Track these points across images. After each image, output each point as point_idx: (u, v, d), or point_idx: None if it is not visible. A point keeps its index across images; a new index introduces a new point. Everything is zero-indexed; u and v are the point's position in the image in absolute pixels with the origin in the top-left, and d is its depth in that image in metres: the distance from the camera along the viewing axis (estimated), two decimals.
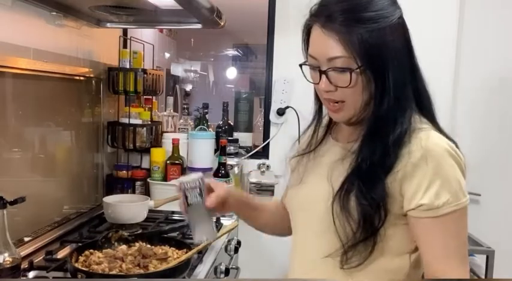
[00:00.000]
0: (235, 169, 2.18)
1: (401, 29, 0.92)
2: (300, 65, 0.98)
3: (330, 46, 0.89)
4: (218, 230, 1.69)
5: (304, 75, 0.98)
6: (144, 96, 2.18)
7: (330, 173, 0.95)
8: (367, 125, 0.94)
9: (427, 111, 0.96)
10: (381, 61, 0.88)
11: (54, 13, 1.55)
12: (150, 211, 1.75)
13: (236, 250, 1.73)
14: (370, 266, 0.91)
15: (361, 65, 0.87)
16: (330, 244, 0.93)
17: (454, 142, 0.92)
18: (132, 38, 2.07)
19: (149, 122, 2.07)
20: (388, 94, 0.90)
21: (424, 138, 0.89)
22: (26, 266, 1.28)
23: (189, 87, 3.75)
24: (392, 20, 0.90)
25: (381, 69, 0.89)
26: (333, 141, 1.05)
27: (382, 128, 0.91)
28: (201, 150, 2.09)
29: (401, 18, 0.93)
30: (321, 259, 0.94)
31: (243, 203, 1.18)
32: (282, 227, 1.16)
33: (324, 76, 0.92)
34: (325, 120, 1.08)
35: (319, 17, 0.92)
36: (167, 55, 3.24)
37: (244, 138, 2.43)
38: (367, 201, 0.88)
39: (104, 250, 1.31)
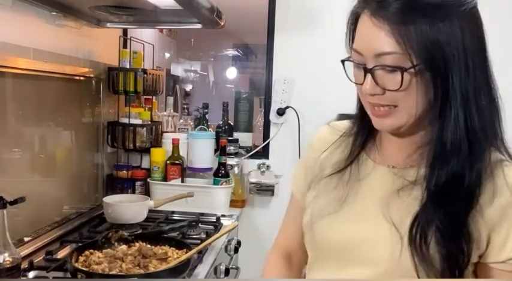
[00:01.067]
0: (235, 169, 2.18)
1: (474, 23, 0.74)
2: (342, 61, 0.80)
3: (379, 39, 0.72)
4: (218, 230, 1.69)
5: (346, 74, 0.80)
6: (144, 96, 2.18)
7: (386, 208, 0.77)
8: (434, 149, 0.74)
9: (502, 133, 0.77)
10: (444, 61, 0.70)
11: (54, 13, 1.55)
12: (150, 211, 1.75)
13: (236, 250, 1.73)
14: None
15: (417, 64, 0.70)
16: None
17: None
18: (132, 38, 2.07)
19: (149, 122, 2.07)
20: (455, 105, 0.72)
21: (510, 174, 0.72)
22: (26, 266, 1.28)
23: (189, 87, 3.75)
24: (465, 9, 0.71)
25: (443, 72, 0.71)
26: (373, 163, 0.85)
27: (453, 151, 0.72)
28: (201, 150, 2.09)
29: (475, 8, 0.74)
30: None
31: None
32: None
33: (369, 75, 0.74)
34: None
35: (369, 2, 0.74)
36: (167, 55, 3.24)
37: (244, 138, 2.43)
38: (451, 246, 0.71)
39: (104, 250, 1.31)
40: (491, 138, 0.75)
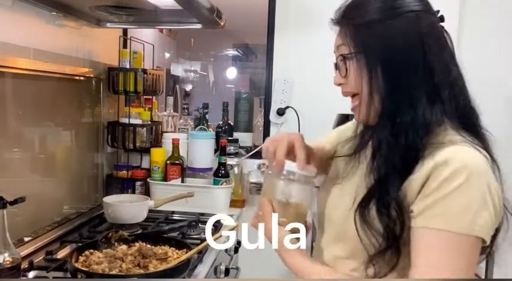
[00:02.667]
0: (235, 169, 2.18)
1: (412, 24, 0.84)
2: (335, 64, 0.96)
3: (336, 38, 0.91)
4: (218, 230, 1.69)
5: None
6: (144, 96, 2.18)
7: (357, 187, 0.89)
8: (378, 130, 0.87)
9: (464, 121, 0.87)
10: (376, 53, 0.85)
11: (54, 13, 1.55)
12: (150, 211, 1.75)
13: (236, 250, 1.73)
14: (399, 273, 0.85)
15: (354, 51, 0.87)
16: (349, 251, 0.90)
17: (499, 176, 0.83)
18: (132, 38, 2.07)
19: (149, 122, 2.07)
20: (384, 97, 0.85)
21: (459, 153, 0.79)
22: (26, 266, 1.28)
23: (189, 87, 3.75)
24: (401, 13, 0.85)
25: (374, 62, 0.85)
26: (363, 155, 0.96)
27: (383, 139, 0.85)
28: (201, 150, 2.09)
29: (418, 13, 0.85)
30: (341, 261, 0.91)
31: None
32: None
33: (336, 69, 0.93)
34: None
35: (334, 18, 0.93)
36: (167, 55, 3.24)
37: (244, 138, 2.43)
38: (386, 209, 0.82)
39: (104, 250, 1.31)
40: (432, 124, 0.83)
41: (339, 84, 0.92)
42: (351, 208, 0.87)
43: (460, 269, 0.78)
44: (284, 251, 0.91)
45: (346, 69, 0.89)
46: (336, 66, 0.93)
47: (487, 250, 0.87)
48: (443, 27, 0.90)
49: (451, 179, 0.76)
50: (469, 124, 0.88)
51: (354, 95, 0.91)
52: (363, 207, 0.85)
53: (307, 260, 0.91)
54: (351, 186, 0.92)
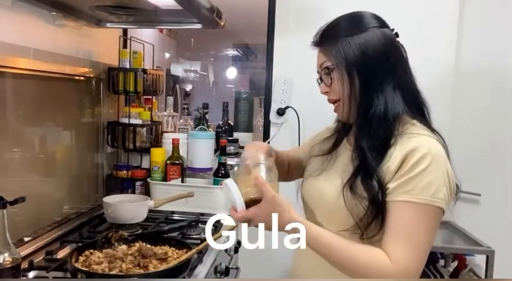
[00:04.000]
0: (235, 169, 2.18)
1: (377, 36, 1.06)
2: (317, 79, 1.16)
3: (318, 58, 1.13)
4: (218, 231, 1.69)
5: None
6: (144, 96, 2.18)
7: (342, 174, 1.08)
8: (356, 125, 1.10)
9: (419, 116, 1.08)
10: (352, 61, 1.05)
11: (54, 13, 1.55)
12: (150, 211, 1.75)
13: (236, 250, 1.73)
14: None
15: (335, 63, 1.07)
16: (343, 222, 1.05)
17: (446, 149, 1.05)
18: (132, 38, 2.07)
19: (149, 122, 2.07)
20: (361, 95, 1.05)
21: (426, 143, 1.00)
22: (26, 266, 1.28)
23: (189, 87, 3.75)
24: (366, 28, 1.07)
25: (351, 69, 1.05)
26: (347, 144, 1.19)
27: (363, 128, 1.06)
28: (201, 150, 2.09)
29: (379, 27, 1.08)
30: (337, 232, 1.05)
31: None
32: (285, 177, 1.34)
33: (320, 81, 1.13)
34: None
35: (314, 41, 1.14)
36: (167, 55, 3.24)
37: (244, 138, 2.43)
38: (370, 180, 1.01)
39: (104, 250, 1.31)
40: (404, 121, 1.06)
41: (325, 93, 1.13)
42: (341, 188, 1.05)
43: (424, 233, 0.98)
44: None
45: (331, 79, 1.09)
46: (321, 80, 1.13)
47: None
48: (398, 41, 1.11)
49: (419, 163, 0.98)
50: (422, 113, 1.10)
51: (336, 101, 1.11)
52: (350, 183, 1.04)
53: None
54: (335, 173, 1.11)
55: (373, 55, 1.05)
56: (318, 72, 1.14)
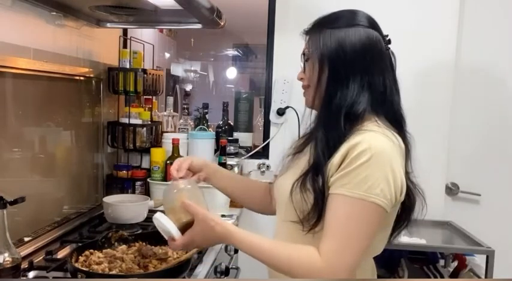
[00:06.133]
0: (235, 169, 2.18)
1: (359, 34, 1.06)
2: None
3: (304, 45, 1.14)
4: None
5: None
6: (144, 96, 2.18)
7: (302, 171, 1.07)
8: (317, 118, 1.12)
9: (387, 116, 1.07)
10: (326, 52, 1.06)
11: (54, 13, 1.55)
12: (150, 211, 1.75)
13: (236, 250, 1.73)
14: None
15: (309, 51, 1.10)
16: (293, 217, 1.06)
17: (408, 149, 1.06)
18: (132, 38, 2.07)
19: (149, 122, 2.07)
20: (327, 86, 1.06)
21: (368, 139, 0.99)
22: (26, 266, 1.28)
23: (189, 87, 3.75)
24: (353, 25, 1.07)
25: (323, 59, 1.06)
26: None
27: (321, 118, 1.08)
28: (201, 150, 2.09)
29: (366, 28, 1.07)
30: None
31: (220, 173, 1.33)
32: (270, 209, 1.30)
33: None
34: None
35: (304, 29, 1.16)
36: (167, 55, 3.24)
37: (244, 138, 2.43)
38: (317, 178, 1.01)
39: (104, 250, 1.31)
40: (368, 120, 1.04)
41: (300, 79, 1.15)
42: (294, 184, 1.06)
43: (356, 228, 0.97)
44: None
45: (305, 66, 1.12)
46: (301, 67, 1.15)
47: (404, 223, 1.12)
48: (389, 48, 1.11)
49: (357, 158, 0.96)
50: (396, 121, 1.08)
51: (307, 87, 1.13)
52: (302, 179, 1.04)
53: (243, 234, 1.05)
54: (297, 170, 1.09)
55: (349, 51, 1.05)
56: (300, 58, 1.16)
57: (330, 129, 1.04)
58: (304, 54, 1.13)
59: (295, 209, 1.05)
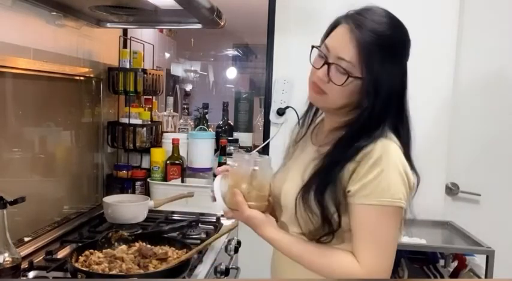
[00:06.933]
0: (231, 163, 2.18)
1: (404, 70, 1.05)
2: (313, 47, 1.08)
3: (346, 48, 1.00)
4: (218, 230, 1.69)
5: (310, 57, 1.09)
6: (144, 96, 2.18)
7: (303, 174, 1.07)
8: (343, 132, 1.06)
9: (401, 136, 1.06)
10: (381, 86, 1.00)
11: (54, 13, 1.55)
12: (150, 211, 1.75)
13: (236, 250, 1.73)
14: (342, 247, 1.05)
15: (361, 77, 1.00)
16: (296, 230, 1.08)
17: (412, 164, 1.05)
18: (132, 38, 2.07)
19: (149, 122, 2.07)
20: (372, 114, 1.01)
21: (380, 146, 0.99)
22: (26, 266, 1.28)
23: (189, 87, 3.75)
24: (405, 60, 1.05)
25: (376, 92, 1.00)
26: (310, 142, 1.18)
27: (353, 139, 1.02)
28: (201, 150, 2.09)
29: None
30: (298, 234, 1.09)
31: None
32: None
33: (325, 67, 1.03)
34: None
35: (349, 19, 1.02)
36: (167, 55, 3.24)
37: (244, 138, 2.43)
38: (323, 196, 1.00)
39: (104, 250, 1.31)
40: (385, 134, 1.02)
41: (319, 80, 1.04)
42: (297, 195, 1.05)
43: (387, 234, 0.99)
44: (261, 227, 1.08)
45: (343, 83, 1.00)
46: (327, 64, 1.03)
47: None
48: None
49: (374, 167, 0.98)
50: (402, 127, 1.07)
51: (323, 93, 1.05)
52: (303, 193, 1.03)
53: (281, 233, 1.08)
54: (297, 170, 1.10)
55: (397, 84, 1.03)
56: (325, 47, 1.04)
57: (356, 146, 1.01)
58: (347, 73, 1.00)
59: (301, 226, 1.06)
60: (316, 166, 1.05)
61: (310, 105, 1.20)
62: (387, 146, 1.00)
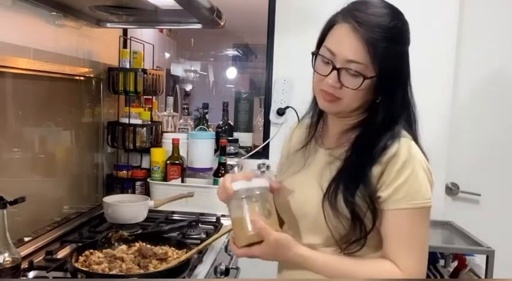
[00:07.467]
0: (235, 169, 2.18)
1: (408, 55, 1.02)
2: (313, 54, 1.02)
3: (354, 49, 0.95)
4: (218, 230, 1.69)
5: (313, 64, 1.03)
6: (144, 96, 2.18)
7: (320, 179, 1.03)
8: (359, 132, 1.03)
9: (411, 129, 1.05)
10: (393, 79, 0.98)
11: (54, 13, 1.55)
12: (150, 211, 1.75)
13: None
14: (370, 255, 1.02)
15: (375, 75, 0.95)
16: (324, 240, 1.02)
17: (426, 158, 1.03)
18: (132, 38, 2.07)
19: (149, 122, 2.07)
20: (388, 108, 0.99)
21: (405, 146, 0.98)
22: (26, 266, 1.28)
23: (189, 87, 3.74)
24: (408, 46, 1.01)
25: (390, 86, 0.98)
26: (318, 146, 1.12)
27: (373, 138, 1.00)
28: (201, 150, 2.09)
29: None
30: (319, 248, 1.03)
31: None
32: None
33: (335, 72, 0.97)
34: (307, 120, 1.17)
35: (348, 17, 0.96)
36: (167, 55, 3.23)
37: (244, 138, 2.43)
38: (353, 198, 0.97)
39: (104, 250, 1.31)
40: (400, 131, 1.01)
41: (331, 87, 0.98)
42: (321, 201, 1.00)
43: (422, 235, 0.99)
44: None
45: (359, 86, 0.96)
46: (336, 70, 0.96)
47: None
48: None
49: (403, 170, 0.96)
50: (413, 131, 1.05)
51: (337, 99, 1.00)
52: (330, 198, 0.99)
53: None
54: (312, 177, 1.05)
55: (406, 76, 1.02)
56: (329, 51, 0.98)
57: (375, 145, 0.99)
58: (361, 74, 0.95)
59: (332, 233, 1.00)
60: (337, 168, 1.02)
61: (315, 111, 1.15)
62: (410, 145, 0.99)
